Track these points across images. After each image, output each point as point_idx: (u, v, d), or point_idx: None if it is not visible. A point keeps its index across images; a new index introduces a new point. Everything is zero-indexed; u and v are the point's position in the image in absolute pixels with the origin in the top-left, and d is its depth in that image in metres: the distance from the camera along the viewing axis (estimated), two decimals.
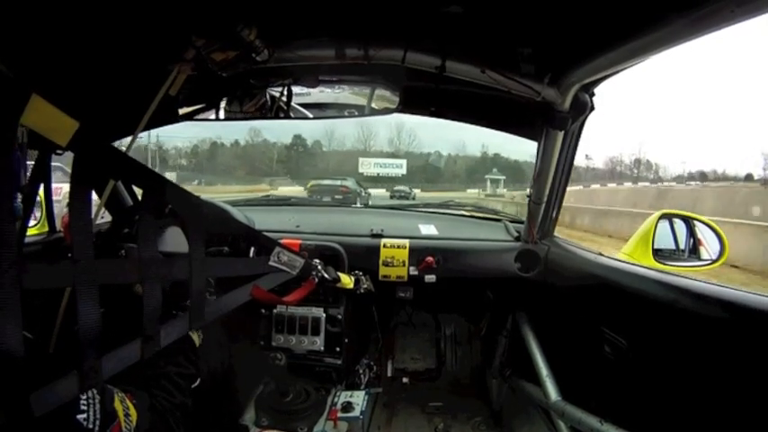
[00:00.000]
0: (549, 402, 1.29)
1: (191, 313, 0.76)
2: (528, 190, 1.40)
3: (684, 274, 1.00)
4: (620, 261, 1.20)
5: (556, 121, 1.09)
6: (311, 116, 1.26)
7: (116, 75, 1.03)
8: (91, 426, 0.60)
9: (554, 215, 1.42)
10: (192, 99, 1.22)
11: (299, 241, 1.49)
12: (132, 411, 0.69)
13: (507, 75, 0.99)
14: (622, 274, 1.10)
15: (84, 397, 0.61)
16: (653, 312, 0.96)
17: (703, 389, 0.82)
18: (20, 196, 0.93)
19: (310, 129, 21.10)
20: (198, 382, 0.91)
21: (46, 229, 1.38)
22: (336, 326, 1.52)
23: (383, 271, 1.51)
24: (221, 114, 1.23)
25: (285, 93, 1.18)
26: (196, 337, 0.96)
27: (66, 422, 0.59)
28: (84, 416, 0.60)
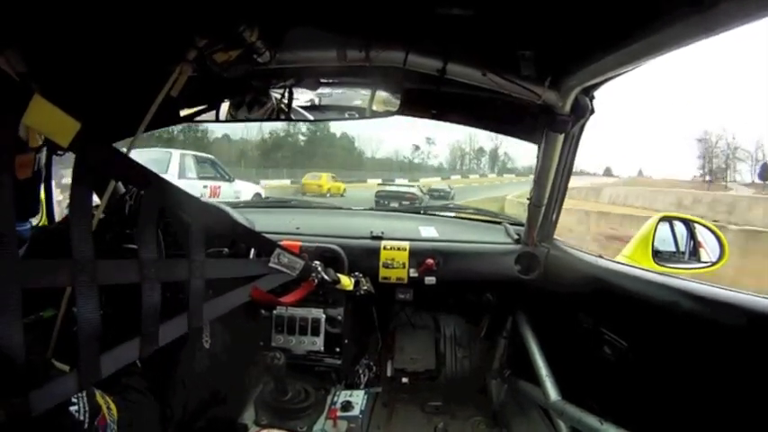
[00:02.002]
0: (549, 402, 1.29)
1: (189, 313, 0.76)
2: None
3: (684, 276, 1.01)
4: (619, 263, 1.21)
5: (556, 124, 1.09)
6: (312, 118, 1.27)
7: (118, 75, 1.03)
8: (82, 417, 0.64)
9: (554, 218, 1.42)
10: (193, 100, 1.22)
11: (300, 243, 1.49)
12: (113, 406, 0.73)
13: (508, 78, 0.99)
14: (622, 276, 1.10)
15: None
16: (653, 314, 0.96)
17: (702, 390, 0.82)
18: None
19: None
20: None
21: None
22: (336, 326, 1.52)
23: (383, 273, 1.51)
24: (222, 116, 1.24)
25: (286, 95, 1.19)
26: (205, 342, 0.98)
27: (62, 413, 0.61)
28: (76, 408, 0.64)
